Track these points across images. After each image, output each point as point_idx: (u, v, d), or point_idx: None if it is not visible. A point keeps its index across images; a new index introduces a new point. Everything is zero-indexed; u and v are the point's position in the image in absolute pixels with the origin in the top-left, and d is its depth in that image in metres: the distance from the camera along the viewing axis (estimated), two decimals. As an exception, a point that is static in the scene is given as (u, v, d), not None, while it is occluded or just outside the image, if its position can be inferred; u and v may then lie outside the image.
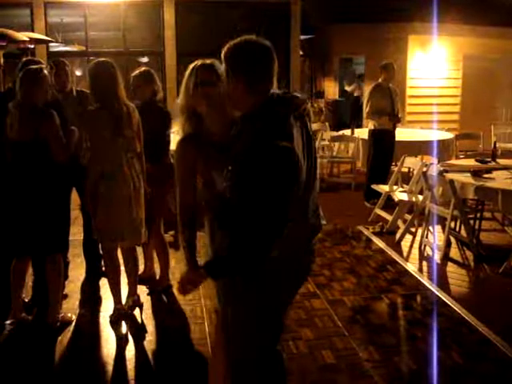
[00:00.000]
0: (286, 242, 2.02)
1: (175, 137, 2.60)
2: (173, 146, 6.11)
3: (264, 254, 1.99)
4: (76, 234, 4.83)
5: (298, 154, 1.99)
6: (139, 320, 4.09)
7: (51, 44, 10.91)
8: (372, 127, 7.32)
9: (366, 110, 7.29)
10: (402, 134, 7.99)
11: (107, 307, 4.22)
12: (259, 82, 2.06)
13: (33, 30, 10.46)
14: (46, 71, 3.77)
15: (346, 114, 13.88)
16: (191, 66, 2.43)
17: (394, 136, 7.33)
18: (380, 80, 7.29)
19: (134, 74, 4.40)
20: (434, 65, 12.13)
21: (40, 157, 3.66)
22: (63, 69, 4.48)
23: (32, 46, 7.93)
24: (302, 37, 12.75)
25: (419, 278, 4.93)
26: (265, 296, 2.22)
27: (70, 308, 4.22)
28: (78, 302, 4.36)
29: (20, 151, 3.68)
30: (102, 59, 3.91)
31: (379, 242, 5.91)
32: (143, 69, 4.44)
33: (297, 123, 2.06)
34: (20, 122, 3.62)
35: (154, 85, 4.35)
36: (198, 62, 2.42)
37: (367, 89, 7.73)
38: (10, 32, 7.39)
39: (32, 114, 3.62)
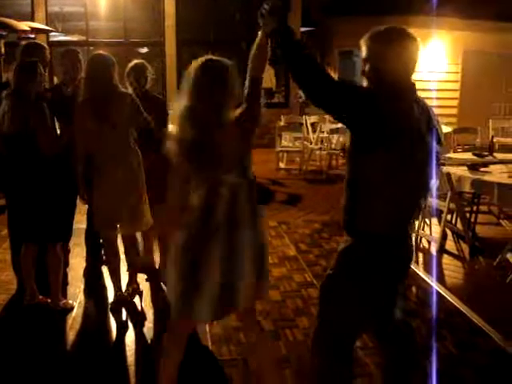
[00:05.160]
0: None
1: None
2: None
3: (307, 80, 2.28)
4: (78, 222, 4.87)
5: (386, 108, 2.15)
6: (139, 307, 4.15)
7: (51, 33, 10.92)
8: None
9: None
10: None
11: (108, 295, 4.28)
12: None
13: (33, 20, 10.47)
14: (41, 67, 3.75)
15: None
16: None
17: None
18: None
19: (130, 65, 4.39)
20: (433, 59, 12.14)
21: (31, 149, 3.64)
22: (76, 57, 4.39)
23: (32, 36, 7.94)
24: (302, 29, 12.74)
25: (415, 269, 4.97)
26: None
27: (71, 295, 4.28)
28: (78, 290, 4.41)
29: (11, 144, 3.68)
30: (99, 52, 3.92)
31: (376, 234, 5.94)
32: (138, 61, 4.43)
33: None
34: (10, 113, 3.60)
35: (147, 73, 4.36)
36: None
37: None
38: (11, 21, 7.43)
39: (22, 105, 3.60)
